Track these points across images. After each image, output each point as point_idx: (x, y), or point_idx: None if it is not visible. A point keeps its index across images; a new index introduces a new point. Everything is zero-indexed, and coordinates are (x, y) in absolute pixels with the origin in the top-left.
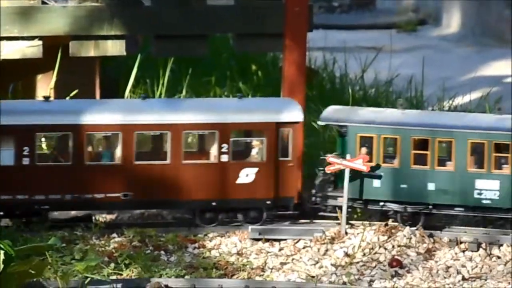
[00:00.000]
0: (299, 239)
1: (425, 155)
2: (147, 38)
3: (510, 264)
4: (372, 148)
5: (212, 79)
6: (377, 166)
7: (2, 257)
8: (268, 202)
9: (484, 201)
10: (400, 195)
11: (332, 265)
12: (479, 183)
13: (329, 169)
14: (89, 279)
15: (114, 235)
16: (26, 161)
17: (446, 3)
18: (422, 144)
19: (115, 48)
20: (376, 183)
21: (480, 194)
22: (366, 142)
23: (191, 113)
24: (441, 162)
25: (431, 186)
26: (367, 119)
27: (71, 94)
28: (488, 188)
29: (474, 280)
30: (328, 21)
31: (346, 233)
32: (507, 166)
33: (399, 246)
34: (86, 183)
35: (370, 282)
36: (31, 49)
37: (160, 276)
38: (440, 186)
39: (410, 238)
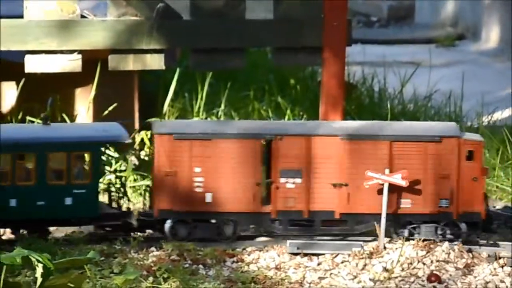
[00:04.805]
0: (338, 254)
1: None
2: (185, 51)
3: None
4: None
5: (251, 94)
6: None
7: (41, 270)
8: None
9: None
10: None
11: (370, 280)
12: None
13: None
14: None
15: (153, 249)
16: None
17: (485, 17)
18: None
19: (154, 61)
20: None
21: None
22: None
23: None
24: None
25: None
26: None
27: (110, 108)
28: None
29: None
30: (367, 35)
31: (385, 247)
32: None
33: (437, 261)
34: None
35: None
36: (70, 63)
37: None
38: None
39: (449, 253)
